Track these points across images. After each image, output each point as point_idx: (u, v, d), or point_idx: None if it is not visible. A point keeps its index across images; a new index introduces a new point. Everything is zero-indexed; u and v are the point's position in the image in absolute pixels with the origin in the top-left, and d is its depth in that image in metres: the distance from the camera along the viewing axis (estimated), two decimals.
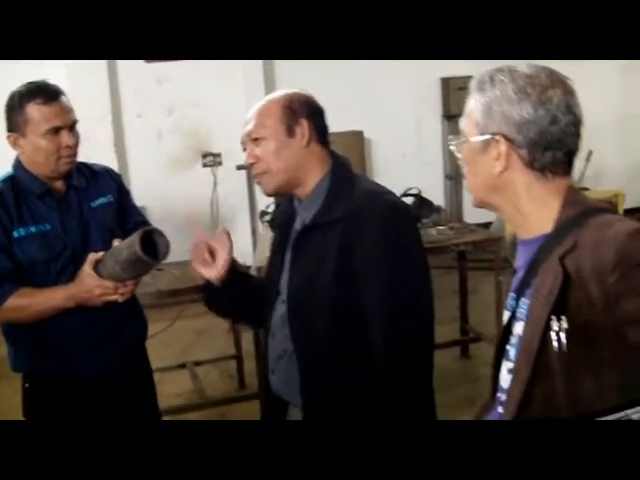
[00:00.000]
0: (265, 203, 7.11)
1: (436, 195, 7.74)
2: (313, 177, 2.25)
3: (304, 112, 2.23)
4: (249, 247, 7.72)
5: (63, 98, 2.69)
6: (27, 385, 2.85)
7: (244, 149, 2.27)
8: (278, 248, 2.40)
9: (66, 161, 2.69)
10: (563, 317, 1.47)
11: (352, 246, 2.12)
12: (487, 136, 1.60)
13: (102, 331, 2.79)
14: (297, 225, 2.32)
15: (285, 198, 2.43)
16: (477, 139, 1.62)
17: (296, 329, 2.24)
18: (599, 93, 9.16)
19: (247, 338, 5.45)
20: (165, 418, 3.91)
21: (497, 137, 1.58)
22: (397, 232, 2.14)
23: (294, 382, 2.25)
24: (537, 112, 1.54)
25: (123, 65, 7.57)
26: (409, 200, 6.09)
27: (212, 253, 2.39)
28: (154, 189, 7.43)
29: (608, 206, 1.63)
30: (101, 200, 2.86)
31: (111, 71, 7.49)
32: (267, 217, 5.59)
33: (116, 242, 2.58)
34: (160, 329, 6.14)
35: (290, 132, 2.20)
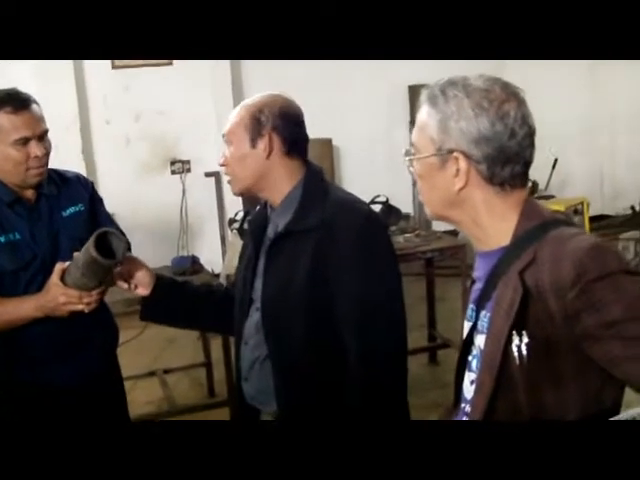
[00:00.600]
0: (234, 211, 7.13)
1: (404, 202, 7.78)
2: (282, 186, 2.27)
3: (272, 124, 2.22)
4: (218, 254, 7.71)
5: (34, 107, 2.63)
6: None
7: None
8: (251, 255, 2.40)
9: (35, 172, 2.64)
10: (524, 331, 1.48)
11: (326, 255, 2.15)
12: (444, 153, 1.57)
13: (73, 339, 2.77)
14: (270, 232, 2.33)
15: (259, 204, 2.47)
16: (434, 155, 1.60)
17: (270, 336, 2.25)
18: (565, 102, 9.29)
19: (216, 346, 5.44)
20: None
21: (456, 154, 1.56)
22: (370, 242, 2.19)
23: (268, 389, 2.27)
24: (495, 127, 1.53)
25: (90, 71, 7.55)
26: (377, 207, 6.14)
27: (130, 275, 2.49)
28: (123, 196, 7.37)
29: (565, 218, 1.63)
30: (72, 209, 2.81)
31: (78, 78, 7.45)
32: (236, 225, 5.59)
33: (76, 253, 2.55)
34: (130, 337, 6.12)
35: (253, 143, 2.22)
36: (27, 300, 2.62)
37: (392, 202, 6.34)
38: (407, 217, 6.30)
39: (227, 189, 8.22)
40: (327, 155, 7.82)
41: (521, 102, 1.57)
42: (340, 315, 2.17)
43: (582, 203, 8.22)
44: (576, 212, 7.51)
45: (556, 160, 8.22)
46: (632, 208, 9.98)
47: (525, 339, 1.48)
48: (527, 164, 1.59)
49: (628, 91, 9.90)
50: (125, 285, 2.47)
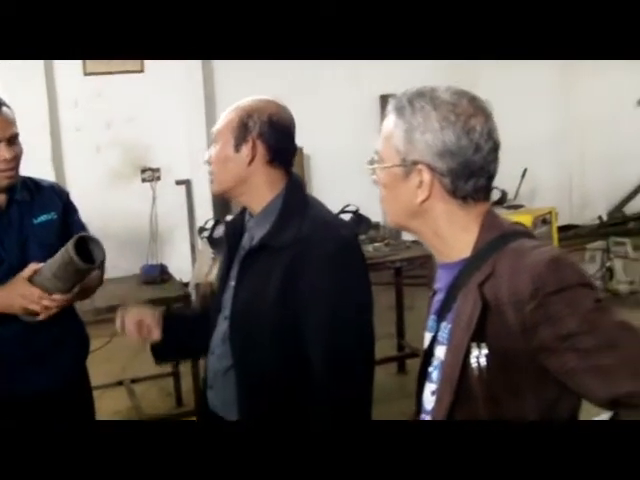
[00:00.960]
0: (204, 219, 7.12)
1: (375, 212, 7.79)
2: (262, 194, 2.26)
3: (258, 130, 2.21)
4: (188, 263, 7.69)
5: (4, 109, 2.62)
6: None
7: None
8: (224, 262, 2.42)
9: (4, 175, 2.62)
10: (483, 343, 1.50)
11: (298, 274, 2.13)
12: (409, 164, 1.58)
13: (42, 346, 2.75)
14: (245, 242, 2.33)
15: (232, 214, 2.47)
16: (398, 166, 1.60)
17: (237, 347, 2.26)
18: (535, 113, 9.38)
19: None
20: None
21: (420, 166, 1.56)
22: (343, 269, 2.17)
23: (232, 399, 2.28)
24: (461, 142, 1.53)
25: (62, 77, 7.53)
26: (347, 217, 6.15)
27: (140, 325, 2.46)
28: (92, 204, 7.27)
29: (525, 229, 1.65)
30: (44, 217, 2.78)
31: (49, 83, 7.43)
32: (206, 233, 5.58)
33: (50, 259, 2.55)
34: (99, 346, 6.08)
35: (237, 147, 2.21)
36: None
37: (362, 211, 6.36)
38: (377, 226, 6.32)
39: (198, 197, 8.23)
40: (298, 164, 7.81)
41: (488, 117, 1.58)
42: (308, 334, 2.16)
43: (550, 213, 8.28)
44: (544, 222, 7.54)
45: (525, 170, 8.30)
46: (600, 218, 10.09)
47: (484, 351, 1.50)
48: (490, 178, 1.60)
49: (597, 102, 10.02)
50: (136, 335, 2.44)
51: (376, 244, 5.54)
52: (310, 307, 2.14)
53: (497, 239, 1.57)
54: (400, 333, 5.87)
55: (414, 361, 5.66)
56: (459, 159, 1.54)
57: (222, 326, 2.33)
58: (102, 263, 2.49)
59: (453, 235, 1.61)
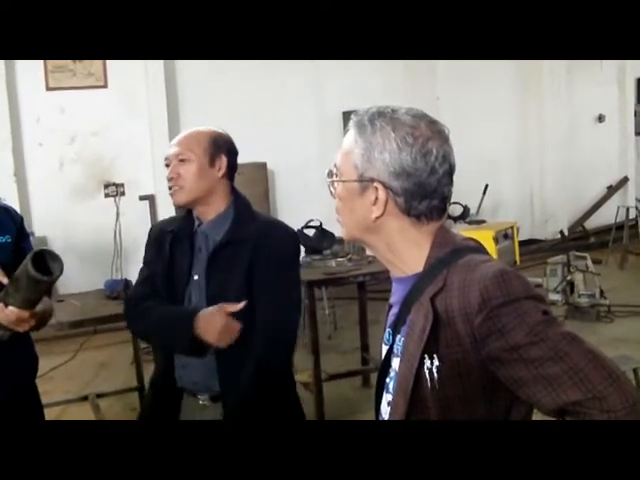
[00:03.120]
0: None
1: (338, 226, 7.83)
2: (217, 204, 2.68)
3: (225, 150, 2.67)
4: None
5: None
6: None
7: (167, 165, 2.67)
8: (181, 261, 2.71)
9: None
10: (435, 355, 1.53)
11: (258, 258, 2.61)
12: (365, 180, 1.61)
13: None
14: (199, 242, 2.71)
15: (180, 218, 2.80)
16: (355, 181, 1.63)
17: None
18: (497, 130, 9.50)
19: (149, 370, 5.41)
20: None
21: (376, 183, 1.59)
22: (292, 255, 2.78)
23: (206, 374, 2.65)
24: (417, 164, 1.56)
25: (24, 92, 7.50)
26: (310, 232, 6.18)
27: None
28: (56, 218, 7.33)
29: (476, 245, 1.68)
30: None
31: (12, 98, 7.40)
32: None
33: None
34: (62, 361, 6.05)
35: (212, 162, 2.64)
36: None
37: (325, 226, 6.40)
38: (341, 241, 6.35)
39: (161, 212, 8.21)
40: (262, 178, 7.87)
41: (444, 140, 1.62)
42: (259, 298, 2.62)
43: (512, 228, 8.36)
44: (506, 237, 7.61)
45: (487, 185, 8.39)
46: (561, 233, 10.22)
47: (436, 362, 1.53)
48: (444, 200, 1.64)
49: (557, 118, 10.18)
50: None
51: (339, 259, 5.56)
52: (263, 281, 2.62)
53: (449, 254, 1.61)
54: (364, 347, 5.89)
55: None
56: (414, 180, 1.58)
57: None
58: (60, 274, 2.46)
59: (406, 251, 1.65)
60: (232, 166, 2.70)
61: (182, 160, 2.62)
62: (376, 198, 1.60)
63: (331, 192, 1.72)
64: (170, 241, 2.74)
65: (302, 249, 5.71)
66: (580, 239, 10.39)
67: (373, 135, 1.60)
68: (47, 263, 2.43)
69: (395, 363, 1.66)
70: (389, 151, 1.58)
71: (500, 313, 1.46)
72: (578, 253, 7.48)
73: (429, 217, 1.62)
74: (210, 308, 2.56)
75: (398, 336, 1.66)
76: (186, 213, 2.77)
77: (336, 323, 6.90)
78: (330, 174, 1.71)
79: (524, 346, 1.44)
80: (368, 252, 5.99)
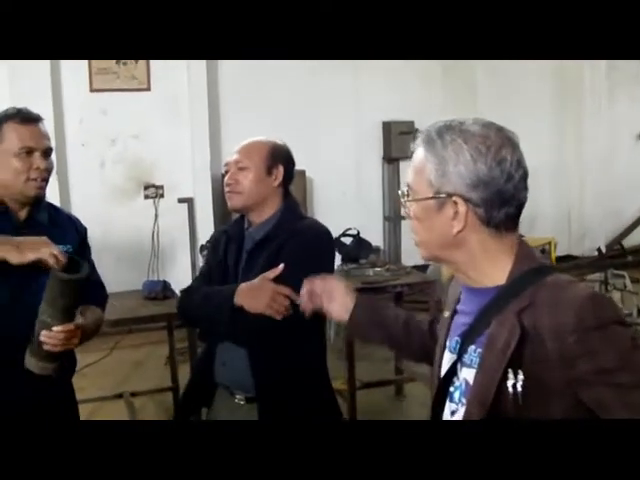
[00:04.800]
0: (205, 237, 7.15)
1: (375, 236, 7.84)
2: (268, 209, 2.82)
3: (282, 160, 2.82)
4: (188, 280, 7.71)
5: (41, 125, 2.67)
6: None
7: (226, 171, 2.81)
8: (231, 262, 2.86)
9: (34, 185, 2.63)
10: (519, 370, 1.54)
11: (283, 253, 2.71)
12: (443, 196, 1.60)
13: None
14: (247, 244, 2.84)
15: (233, 223, 2.97)
16: (432, 198, 1.62)
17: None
18: (536, 143, 9.44)
19: (184, 370, 5.44)
20: None
21: (454, 198, 1.59)
22: (317, 253, 2.76)
23: (244, 369, 2.71)
24: (493, 172, 1.57)
25: (68, 93, 7.58)
26: (348, 240, 6.19)
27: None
28: (95, 218, 7.30)
29: (551, 264, 1.70)
30: (60, 247, 2.63)
31: (56, 99, 7.47)
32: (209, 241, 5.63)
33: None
34: (97, 359, 6.11)
35: (269, 172, 2.78)
36: None
37: (363, 235, 6.41)
38: (377, 251, 6.36)
39: (199, 215, 8.24)
40: (301, 186, 7.88)
41: (516, 146, 1.62)
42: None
43: (550, 243, 8.32)
44: (543, 252, 7.59)
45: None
46: (598, 250, 10.13)
47: (521, 377, 1.54)
48: (521, 206, 1.63)
49: (598, 135, 10.12)
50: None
51: (377, 269, 5.57)
52: (283, 272, 2.66)
53: (533, 271, 1.61)
54: (398, 357, 5.86)
55: (412, 385, 5.68)
56: (492, 189, 1.57)
57: None
58: (87, 275, 2.48)
59: (486, 263, 1.65)
60: (288, 175, 2.85)
61: (241, 168, 2.78)
62: (456, 212, 1.60)
63: (406, 213, 1.72)
64: (224, 242, 2.93)
65: (338, 257, 5.73)
66: (618, 257, 10.28)
67: (444, 149, 1.60)
68: (72, 268, 2.46)
69: (466, 373, 1.68)
70: (463, 163, 1.58)
71: (593, 336, 1.48)
72: (616, 271, 7.41)
73: (507, 227, 1.62)
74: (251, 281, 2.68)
75: (472, 346, 1.67)
76: (240, 217, 2.94)
77: None
78: (403, 194, 1.71)
79: (614, 371, 1.47)
80: (405, 262, 6.00)
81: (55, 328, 2.45)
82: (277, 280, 2.66)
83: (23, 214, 2.71)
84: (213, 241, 3.11)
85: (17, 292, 2.61)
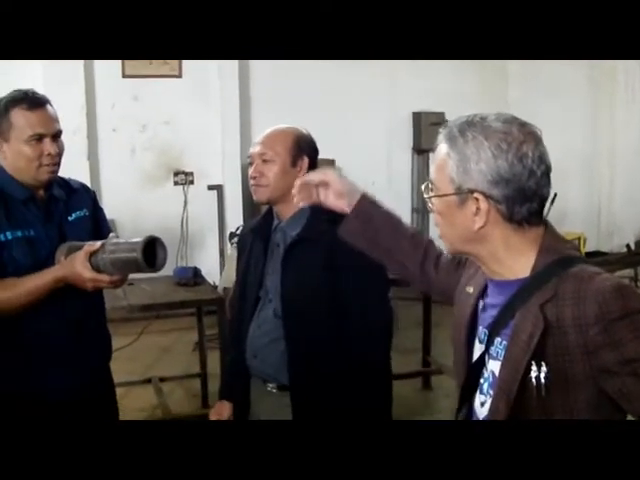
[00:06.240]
0: (234, 225, 7.17)
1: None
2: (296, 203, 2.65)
3: (307, 150, 2.75)
4: (216, 267, 7.76)
5: (49, 107, 2.69)
6: None
7: (250, 163, 2.74)
8: (259, 258, 2.82)
9: (47, 170, 2.68)
10: (543, 362, 1.54)
11: (335, 258, 2.60)
12: (464, 192, 1.61)
13: (72, 343, 2.77)
14: (278, 239, 2.79)
15: (260, 217, 2.91)
16: (454, 194, 1.63)
17: (289, 320, 2.69)
18: (566, 138, 9.37)
19: (213, 358, 5.47)
20: None
21: (476, 194, 1.59)
22: None
23: (277, 362, 2.73)
24: (514, 169, 1.56)
25: (100, 79, 7.61)
26: None
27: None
28: (125, 204, 7.43)
29: (580, 255, 1.67)
30: (78, 213, 2.86)
31: (88, 84, 7.51)
32: (236, 239, 5.65)
33: (114, 239, 2.62)
34: (125, 343, 6.15)
35: (294, 163, 2.72)
36: (47, 272, 2.64)
37: None
38: None
39: (229, 203, 8.27)
40: None
41: (538, 141, 1.61)
42: (345, 305, 2.64)
43: (579, 238, 8.27)
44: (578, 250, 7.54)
45: (555, 195, 8.27)
46: (627, 246, 10.04)
47: (544, 369, 1.54)
48: (543, 201, 1.63)
49: (628, 131, 10.01)
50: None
51: None
52: (349, 278, 2.63)
53: (556, 262, 1.60)
54: (426, 349, 5.86)
55: (439, 378, 5.69)
56: (513, 185, 1.57)
57: (269, 307, 2.77)
58: (162, 266, 2.59)
59: (510, 258, 1.65)
60: (313, 166, 2.76)
61: (265, 160, 2.71)
62: (477, 208, 1.60)
63: (429, 207, 1.72)
64: (252, 238, 2.91)
65: None
66: None
67: (466, 146, 1.60)
68: (154, 250, 2.53)
69: (492, 365, 1.69)
70: (484, 160, 1.57)
71: (617, 326, 1.47)
72: None
73: (530, 222, 1.62)
74: None
75: (498, 339, 1.67)
76: (267, 211, 2.88)
77: (397, 323, 6.88)
78: (426, 189, 1.71)
79: (637, 360, 1.46)
80: None
81: (101, 276, 2.60)
82: (351, 289, 2.63)
83: (42, 193, 2.78)
84: (240, 238, 3.11)
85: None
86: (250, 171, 2.75)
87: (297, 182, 2.15)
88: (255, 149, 2.75)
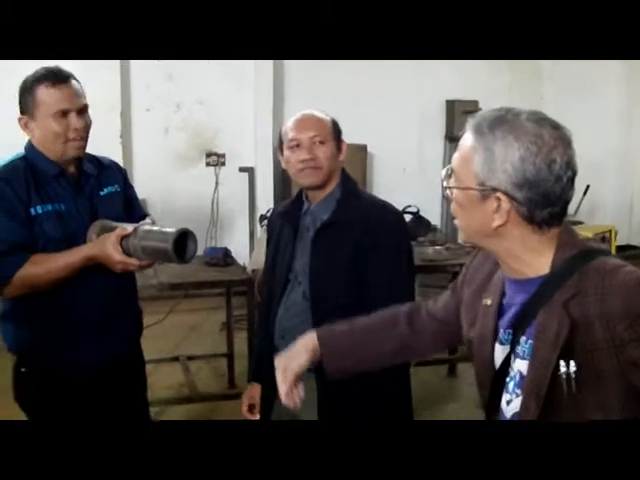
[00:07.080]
0: (265, 207, 7.19)
1: (433, 215, 7.81)
2: (330, 186, 2.80)
3: (340, 133, 2.81)
4: (245, 249, 7.78)
5: (73, 82, 2.71)
6: (23, 370, 2.84)
7: (296, 145, 2.71)
8: (288, 240, 2.85)
9: (74, 145, 2.71)
10: (571, 360, 1.54)
11: (365, 242, 2.68)
12: (487, 189, 1.58)
13: (104, 316, 2.83)
14: (308, 222, 2.83)
15: (289, 201, 2.97)
16: (476, 189, 1.60)
17: (317, 302, 2.74)
18: (601, 130, 9.28)
19: (240, 338, 5.51)
20: (153, 410, 3.97)
21: (498, 193, 1.57)
22: (400, 233, 2.83)
23: None
24: (541, 174, 1.53)
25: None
26: (407, 217, 6.18)
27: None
28: (157, 183, 7.48)
29: (600, 246, 1.67)
30: (109, 189, 2.90)
31: (123, 63, 7.52)
32: (266, 222, 5.68)
33: (147, 225, 2.67)
34: (154, 321, 6.20)
35: (338, 147, 2.79)
36: (78, 250, 2.68)
37: (422, 213, 6.40)
38: (435, 229, 6.34)
39: (260, 185, 8.28)
40: (362, 160, 7.87)
41: (567, 146, 1.57)
42: (371, 287, 2.69)
43: (610, 231, 8.18)
44: (603, 240, 7.48)
45: (588, 187, 8.23)
46: None
47: (573, 367, 1.54)
48: (566, 205, 1.61)
49: None
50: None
51: (437, 247, 5.54)
52: (377, 262, 2.69)
53: (576, 257, 1.59)
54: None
55: (465, 365, 5.67)
56: (538, 190, 1.54)
57: (298, 289, 2.80)
58: (191, 259, 2.65)
59: (527, 256, 1.64)
60: (343, 149, 2.83)
61: (321, 142, 2.72)
62: (498, 207, 1.58)
63: (448, 195, 1.70)
64: (281, 222, 2.94)
65: None
66: None
67: (494, 144, 1.56)
68: (184, 241, 2.56)
69: (519, 365, 1.68)
70: (511, 162, 1.54)
71: None
72: None
73: (550, 224, 1.60)
74: None
75: (523, 337, 1.67)
76: (297, 195, 2.89)
77: None
78: (447, 177, 1.69)
79: None
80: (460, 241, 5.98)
81: (131, 260, 2.63)
82: (376, 274, 2.69)
83: (72, 169, 2.81)
84: (269, 223, 3.12)
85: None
86: (300, 155, 2.71)
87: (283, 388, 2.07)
88: (304, 133, 2.72)
